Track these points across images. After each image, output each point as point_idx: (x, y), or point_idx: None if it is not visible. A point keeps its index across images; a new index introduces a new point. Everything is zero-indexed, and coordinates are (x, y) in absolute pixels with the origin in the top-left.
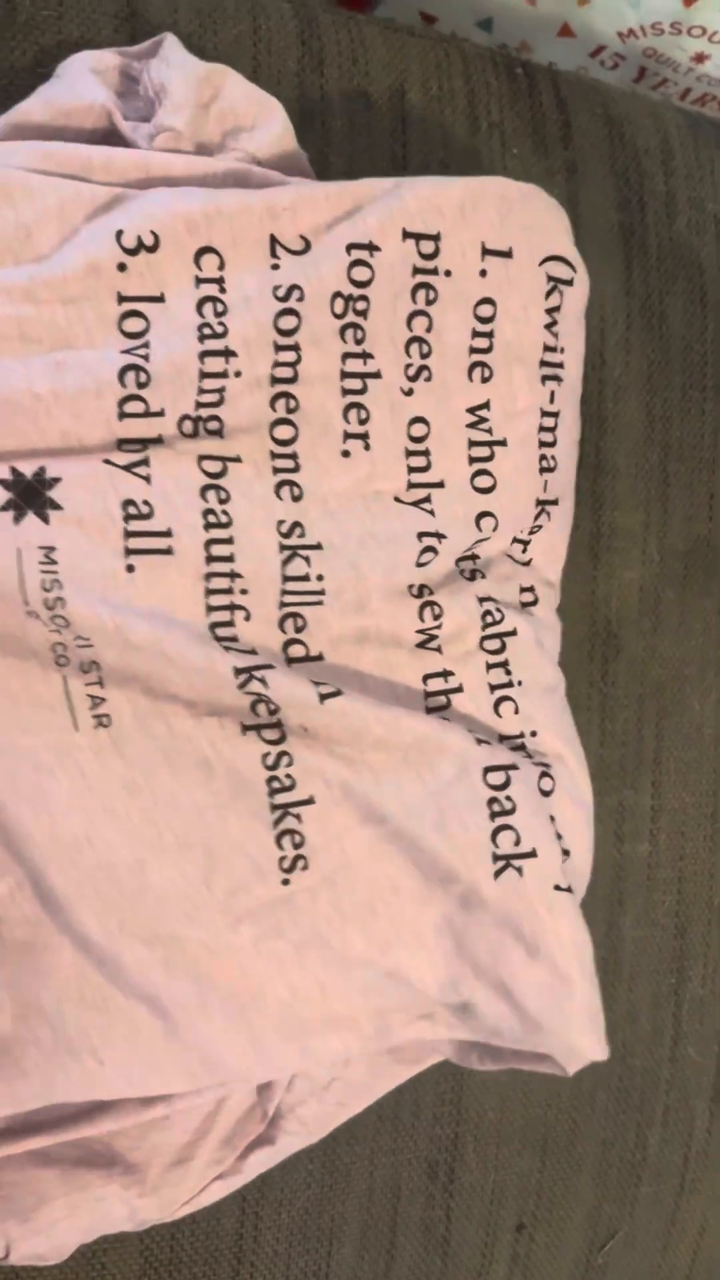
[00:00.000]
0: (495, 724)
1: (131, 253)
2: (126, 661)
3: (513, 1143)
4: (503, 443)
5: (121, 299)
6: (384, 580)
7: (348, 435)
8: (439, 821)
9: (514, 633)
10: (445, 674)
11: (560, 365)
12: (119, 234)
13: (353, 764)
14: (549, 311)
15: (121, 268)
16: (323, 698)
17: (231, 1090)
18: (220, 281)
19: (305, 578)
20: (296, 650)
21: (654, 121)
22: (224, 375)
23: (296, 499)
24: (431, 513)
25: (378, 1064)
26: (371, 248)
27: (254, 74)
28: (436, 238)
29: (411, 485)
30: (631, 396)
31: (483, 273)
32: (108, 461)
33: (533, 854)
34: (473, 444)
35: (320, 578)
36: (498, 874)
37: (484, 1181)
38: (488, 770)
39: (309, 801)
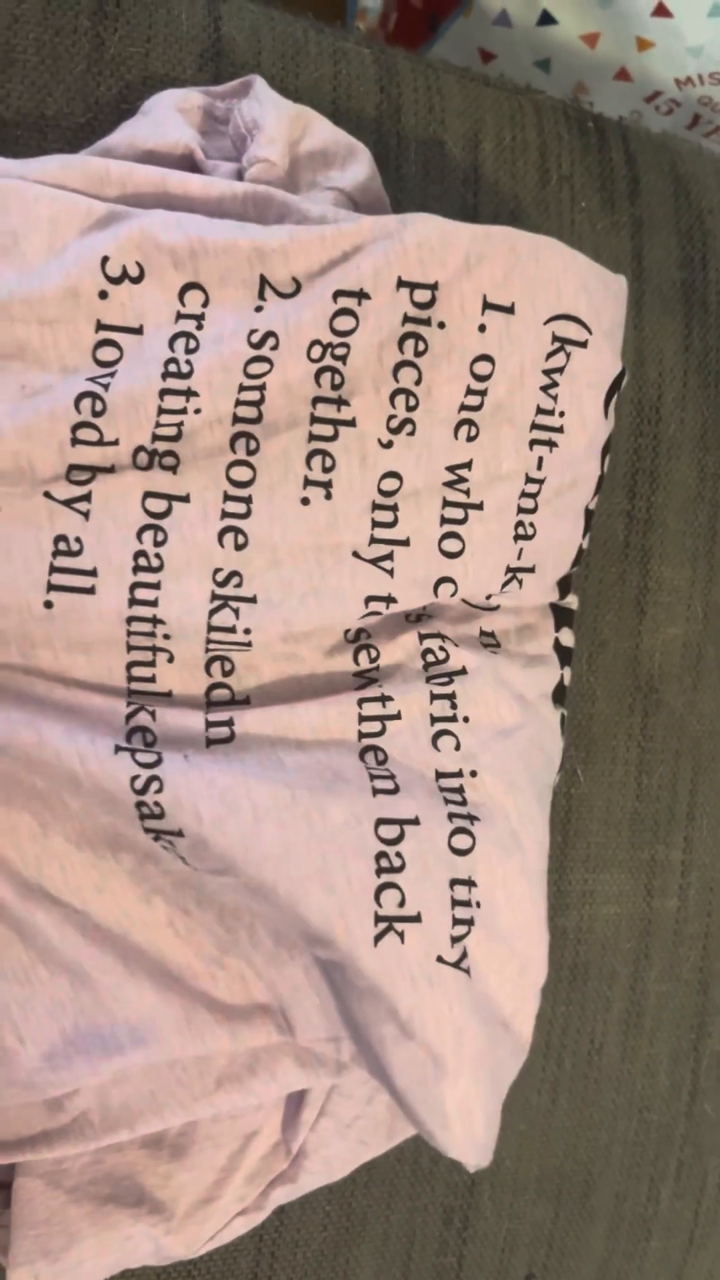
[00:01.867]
0: (431, 758)
1: (115, 281)
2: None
3: (528, 1192)
4: (479, 506)
5: (99, 326)
6: (317, 631)
7: (309, 482)
8: (322, 869)
9: (463, 670)
10: (384, 699)
11: (557, 430)
12: (104, 260)
13: (231, 799)
14: (548, 373)
15: (103, 295)
16: (210, 742)
17: (259, 1127)
18: (200, 319)
19: (231, 629)
20: (221, 694)
21: (719, 180)
22: (183, 412)
23: (240, 547)
24: (390, 572)
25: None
26: (361, 295)
27: (333, 117)
28: (434, 287)
29: (374, 540)
30: (685, 453)
31: (482, 328)
32: (48, 495)
33: (417, 918)
34: (447, 504)
35: (247, 631)
36: (378, 938)
37: (497, 1230)
38: (380, 823)
39: (179, 834)
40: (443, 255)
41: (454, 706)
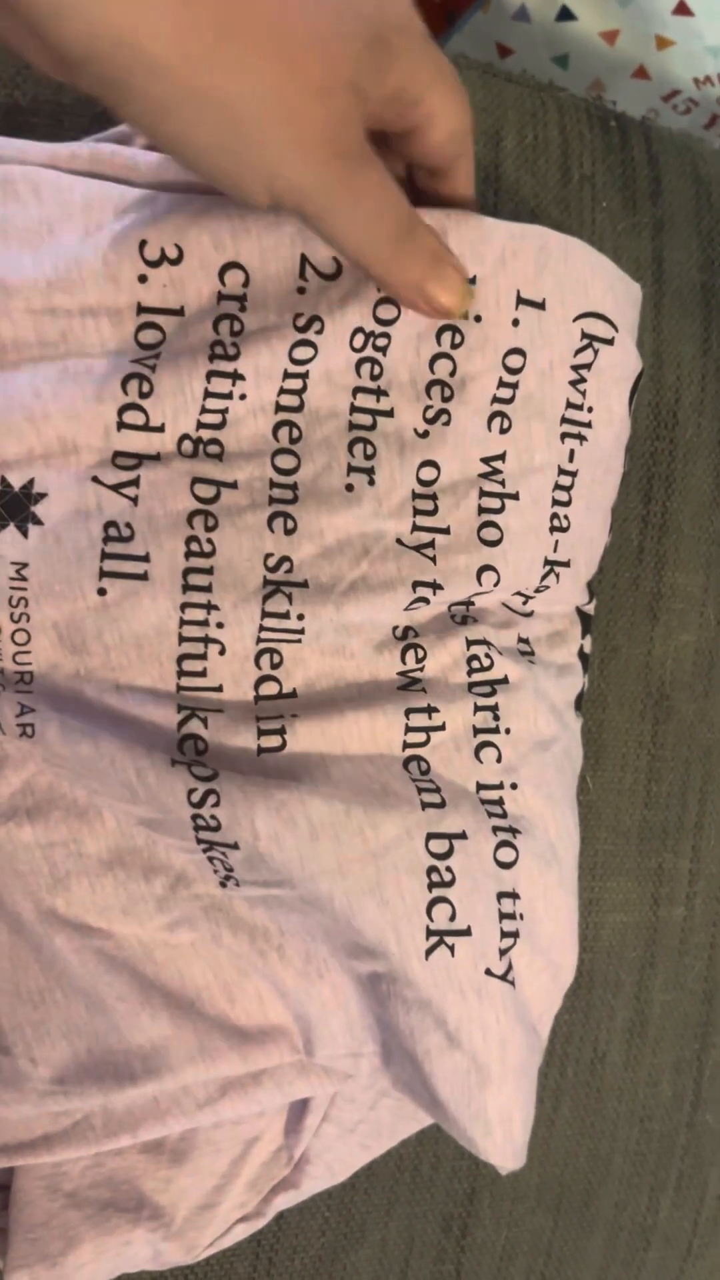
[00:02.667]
0: (473, 770)
1: (153, 264)
2: (61, 693)
3: (528, 1201)
4: (515, 496)
5: (140, 309)
6: (367, 624)
7: (352, 469)
8: (375, 884)
9: (505, 680)
10: (430, 709)
11: (586, 425)
12: (142, 244)
13: (288, 814)
14: (577, 369)
15: (143, 279)
16: (261, 751)
17: (260, 1133)
18: (242, 300)
19: (285, 615)
20: (269, 687)
21: None
22: (229, 397)
23: (289, 532)
24: (434, 559)
25: (402, 1107)
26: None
27: None
28: (472, 281)
29: (416, 529)
30: (701, 458)
31: (515, 322)
32: (96, 480)
33: (467, 932)
34: (484, 494)
35: (300, 617)
36: (429, 951)
37: (496, 1238)
38: (430, 837)
39: (234, 847)
40: (481, 250)
41: (496, 718)
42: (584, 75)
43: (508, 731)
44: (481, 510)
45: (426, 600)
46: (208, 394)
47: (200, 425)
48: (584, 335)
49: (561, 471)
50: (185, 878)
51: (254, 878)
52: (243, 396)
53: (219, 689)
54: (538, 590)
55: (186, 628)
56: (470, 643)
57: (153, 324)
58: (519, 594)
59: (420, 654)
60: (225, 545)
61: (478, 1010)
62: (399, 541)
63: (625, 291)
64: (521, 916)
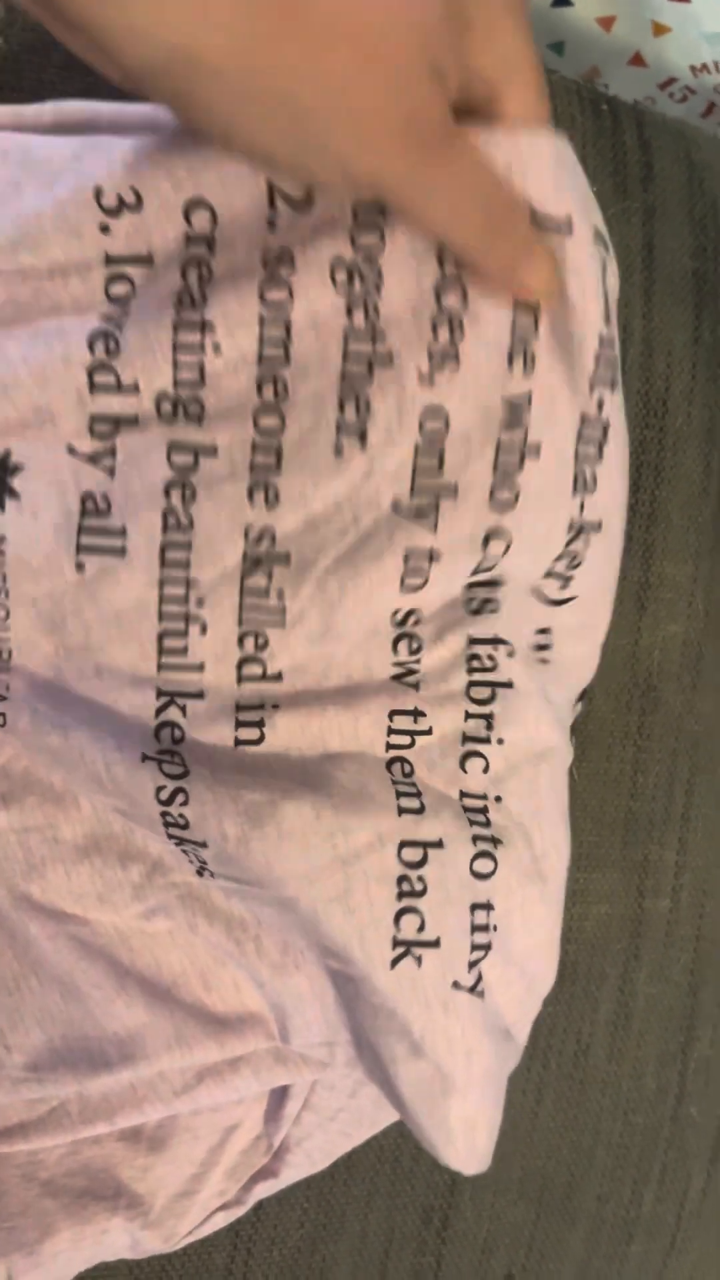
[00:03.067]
0: (457, 779)
1: (112, 213)
2: (37, 674)
3: (509, 1193)
4: (536, 450)
5: (108, 260)
6: (357, 605)
7: (341, 428)
8: (343, 891)
9: (509, 684)
10: (416, 713)
11: (614, 366)
12: (98, 192)
13: (256, 817)
14: (604, 299)
15: (105, 229)
16: (238, 743)
17: (239, 1120)
18: (210, 241)
19: (264, 592)
20: (253, 669)
21: None
22: (200, 349)
23: (270, 504)
24: (434, 526)
25: (382, 1098)
26: (384, 206)
27: None
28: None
29: (416, 490)
30: (691, 447)
31: None
32: (71, 450)
33: (435, 943)
34: (501, 449)
35: (280, 594)
36: (394, 961)
37: (477, 1230)
38: (404, 845)
39: (203, 845)
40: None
41: (489, 727)
42: (580, 62)
43: (500, 742)
44: (498, 466)
45: (422, 574)
46: (177, 347)
47: (178, 383)
48: (600, 260)
49: (586, 421)
50: (162, 865)
51: (226, 873)
52: (216, 347)
53: (200, 667)
54: (571, 564)
55: (167, 605)
56: (474, 641)
57: (122, 275)
58: (555, 575)
59: (415, 645)
60: (203, 518)
61: (443, 1023)
62: (395, 508)
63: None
64: (495, 928)
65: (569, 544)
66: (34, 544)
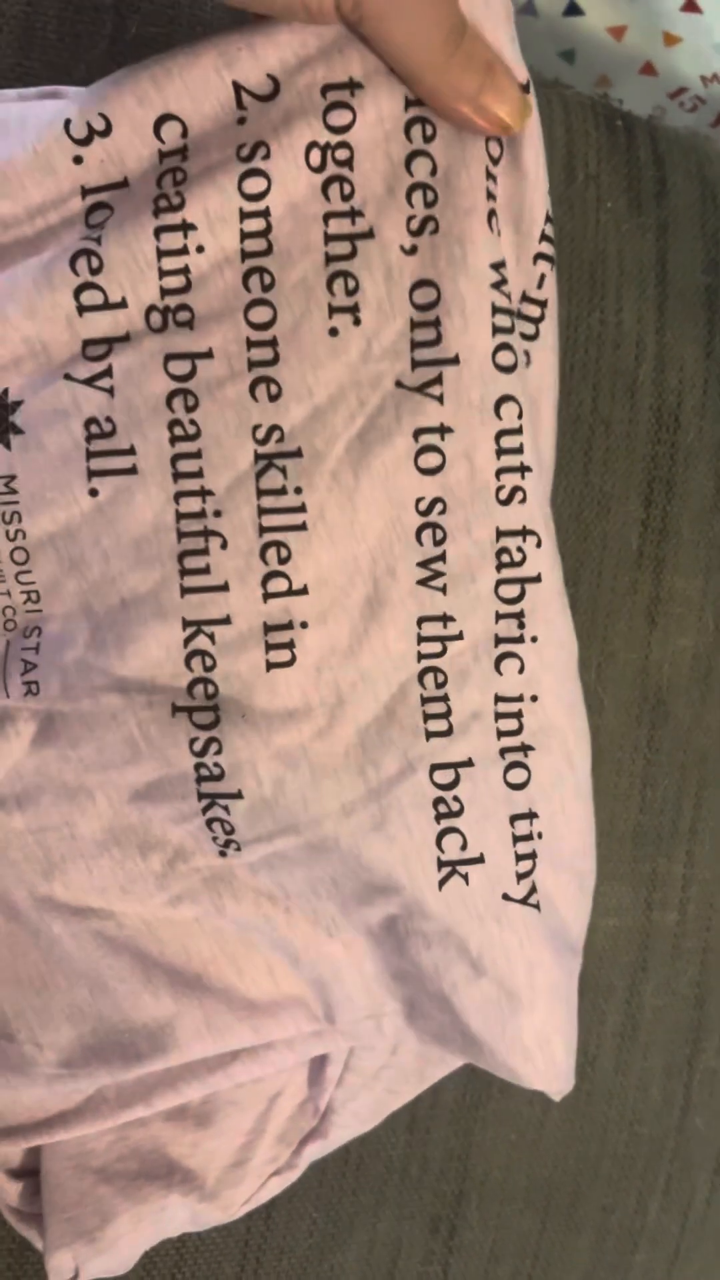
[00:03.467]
0: (493, 682)
1: (83, 142)
2: (67, 619)
3: (516, 1202)
4: (519, 314)
5: (85, 192)
6: (374, 490)
7: (334, 309)
8: (380, 821)
9: (538, 579)
10: (445, 618)
11: (552, 242)
12: (67, 124)
13: (289, 758)
14: (546, 176)
15: (78, 160)
16: (270, 666)
17: (282, 1088)
18: (183, 151)
19: (281, 490)
20: (278, 584)
21: None
22: (184, 252)
23: (274, 398)
24: (440, 398)
25: (428, 1051)
26: (353, 85)
27: None
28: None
29: (417, 364)
30: (702, 463)
31: None
32: (69, 377)
33: (480, 859)
34: (496, 310)
35: (299, 490)
36: (442, 882)
37: (484, 1240)
38: (435, 768)
39: (237, 796)
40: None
41: (521, 626)
42: (590, 71)
43: (534, 639)
44: (495, 330)
45: (437, 452)
46: (160, 253)
47: (164, 292)
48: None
49: (527, 298)
50: (183, 851)
51: (256, 832)
52: (200, 249)
53: (224, 587)
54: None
55: (184, 521)
56: (502, 533)
57: (101, 204)
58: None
59: (439, 535)
60: (209, 423)
61: (498, 936)
62: (399, 384)
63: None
64: (540, 836)
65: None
66: (44, 476)
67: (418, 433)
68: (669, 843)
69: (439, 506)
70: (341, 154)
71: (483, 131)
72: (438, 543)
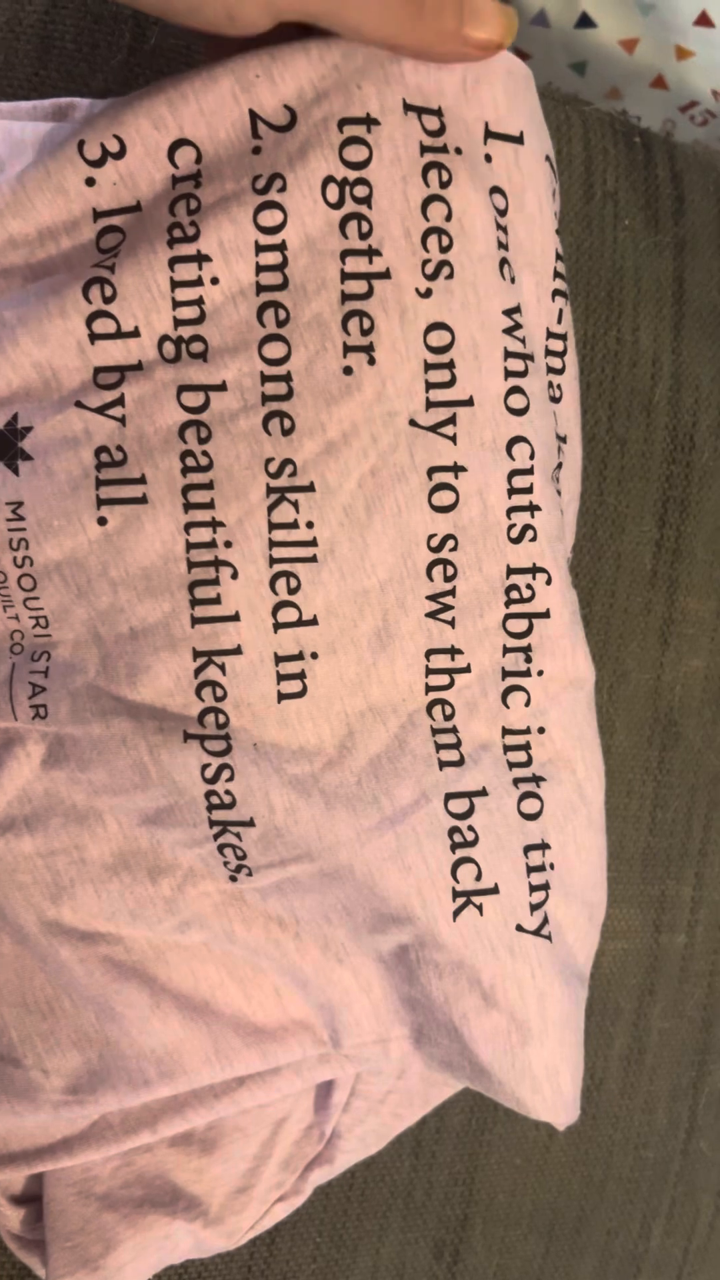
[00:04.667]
0: (500, 715)
1: (96, 164)
2: (77, 645)
3: (520, 1227)
4: (531, 357)
5: (97, 215)
6: (387, 528)
7: (349, 348)
8: (395, 850)
9: (546, 614)
10: (453, 650)
11: (567, 280)
12: (80, 145)
13: (302, 786)
14: (555, 215)
15: (90, 182)
16: (281, 697)
17: (288, 1113)
18: (197, 177)
19: (293, 524)
20: (288, 614)
21: None
22: (198, 283)
23: (287, 432)
24: (453, 438)
25: (432, 1074)
26: (370, 121)
27: None
28: (439, 113)
29: (431, 404)
30: (717, 483)
31: (487, 157)
32: (80, 404)
33: (494, 890)
34: (509, 355)
35: (310, 525)
36: (456, 913)
37: (488, 1264)
38: (450, 797)
39: (249, 824)
40: (440, 79)
41: (529, 660)
42: (602, 82)
43: (540, 673)
44: (508, 374)
45: (450, 490)
46: (175, 284)
47: (178, 322)
48: (550, 179)
49: (551, 334)
50: (193, 875)
51: (269, 858)
52: (214, 280)
53: (235, 617)
54: (556, 470)
55: (194, 551)
56: (512, 570)
57: (112, 227)
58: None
59: (450, 571)
60: (221, 455)
61: (511, 967)
62: (412, 423)
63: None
64: (552, 866)
65: (560, 454)
66: (52, 504)
67: (431, 470)
68: (678, 865)
69: (450, 543)
70: (360, 190)
71: (477, 59)
72: (448, 579)
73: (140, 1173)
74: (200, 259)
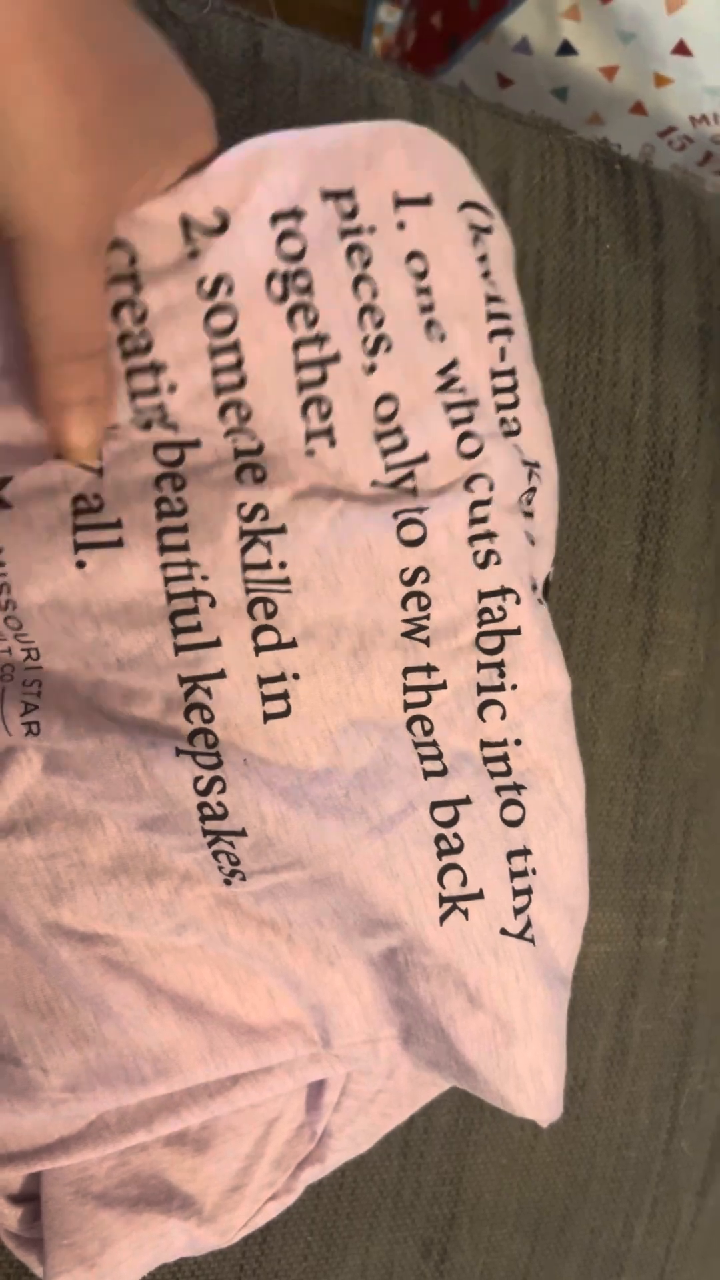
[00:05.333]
0: (477, 728)
1: None
2: (69, 673)
3: (506, 1226)
4: (476, 402)
5: None
6: (357, 563)
7: (310, 435)
8: (384, 857)
9: (517, 631)
10: (429, 668)
11: (507, 316)
12: None
13: (291, 798)
14: (480, 260)
15: None
16: (267, 717)
17: (280, 1113)
18: (134, 279)
19: (266, 565)
20: (268, 637)
21: None
22: (156, 392)
23: (259, 480)
24: (414, 491)
25: (420, 1074)
26: (297, 214)
27: None
28: (350, 194)
29: (390, 467)
30: (695, 498)
31: (401, 225)
32: (59, 457)
33: (479, 895)
34: (450, 407)
35: (283, 565)
36: (443, 918)
37: (474, 1263)
38: (435, 805)
39: (241, 834)
40: (349, 159)
41: (502, 675)
42: (583, 108)
43: (514, 687)
44: (454, 423)
45: (417, 525)
46: (135, 394)
47: (144, 417)
48: (470, 226)
49: (495, 373)
50: (190, 878)
51: (262, 865)
52: (172, 388)
53: (217, 643)
54: (527, 494)
55: (172, 584)
56: (484, 595)
57: None
58: (524, 513)
59: (424, 602)
60: (196, 501)
61: (496, 971)
62: (374, 484)
63: (470, 171)
64: (534, 871)
65: (529, 479)
66: (31, 550)
67: (397, 513)
68: (659, 869)
69: (422, 575)
70: (301, 281)
71: (45, 436)
72: (422, 608)
73: (136, 1172)
74: (156, 369)
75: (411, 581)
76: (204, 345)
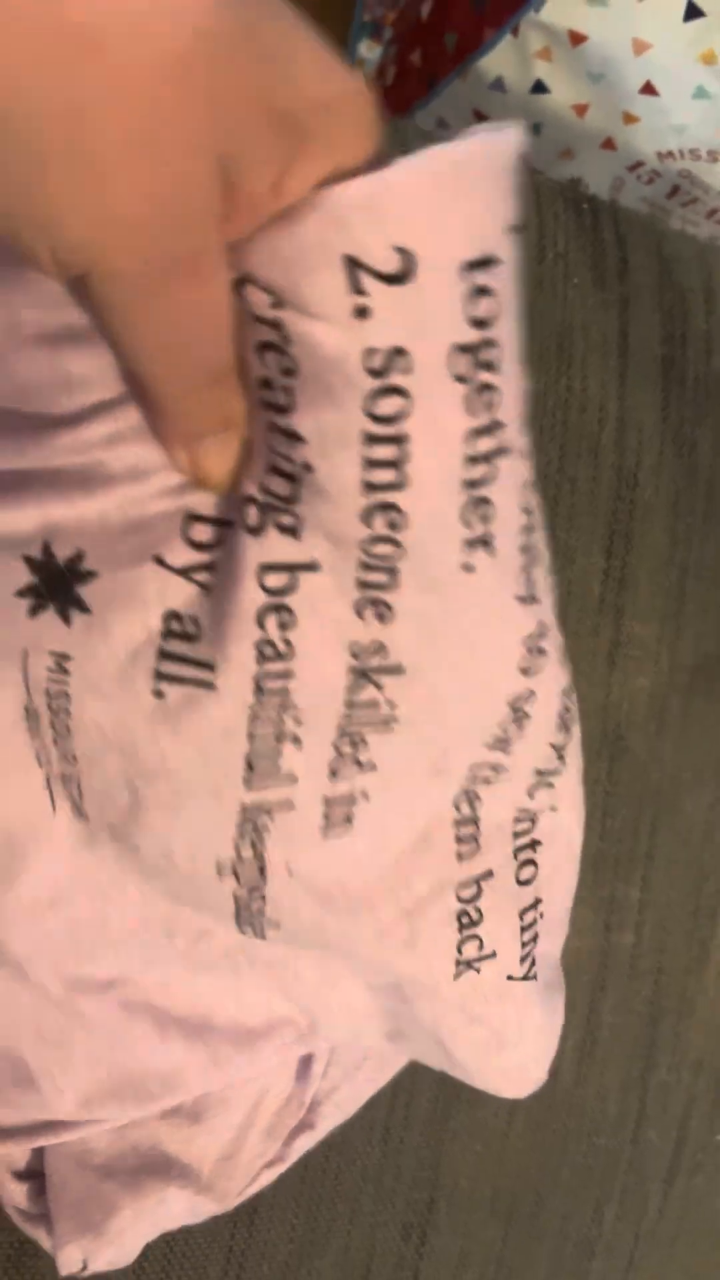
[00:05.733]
0: (521, 800)
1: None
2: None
3: (481, 1210)
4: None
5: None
6: (468, 693)
7: (468, 544)
8: (410, 939)
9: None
10: (497, 767)
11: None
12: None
13: (330, 900)
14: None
15: None
16: (327, 834)
17: (269, 1086)
18: (279, 326)
19: (373, 705)
20: (349, 768)
21: (700, 263)
22: (290, 462)
23: (382, 619)
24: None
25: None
26: (489, 262)
27: None
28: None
29: (527, 589)
30: (658, 518)
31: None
32: (159, 560)
33: (493, 955)
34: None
35: (392, 704)
36: (456, 976)
37: (452, 1246)
38: (460, 884)
39: (275, 925)
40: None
41: (561, 760)
42: (555, 144)
43: (566, 766)
44: (526, 552)
45: (542, 651)
46: (272, 456)
47: (266, 490)
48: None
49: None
50: (206, 933)
51: (286, 938)
52: (308, 467)
53: (293, 779)
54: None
55: (257, 724)
56: (563, 693)
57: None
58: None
59: (524, 720)
60: (305, 643)
61: (499, 1009)
62: (518, 598)
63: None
64: (542, 916)
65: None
66: (105, 666)
67: (527, 638)
68: (626, 869)
69: (531, 699)
70: (487, 355)
71: (178, 470)
72: (518, 723)
73: (134, 1144)
74: (291, 436)
75: (519, 702)
76: (358, 430)
